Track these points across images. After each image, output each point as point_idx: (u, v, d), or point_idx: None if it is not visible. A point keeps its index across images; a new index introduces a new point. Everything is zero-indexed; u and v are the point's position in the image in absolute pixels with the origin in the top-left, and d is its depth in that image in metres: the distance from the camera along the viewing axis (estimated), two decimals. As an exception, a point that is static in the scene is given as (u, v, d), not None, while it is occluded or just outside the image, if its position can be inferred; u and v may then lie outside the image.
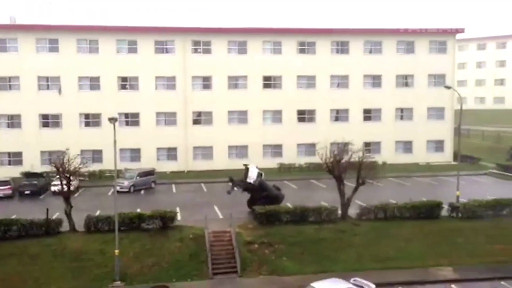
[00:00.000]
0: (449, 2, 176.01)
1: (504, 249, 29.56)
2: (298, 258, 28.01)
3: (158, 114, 52.33)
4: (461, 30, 57.83)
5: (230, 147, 53.67)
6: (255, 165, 36.28)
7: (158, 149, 52.57)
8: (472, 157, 54.92)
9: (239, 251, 27.49)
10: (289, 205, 33.59)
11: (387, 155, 54.99)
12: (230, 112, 53.53)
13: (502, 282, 25.92)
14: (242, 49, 53.34)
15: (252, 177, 33.70)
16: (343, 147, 33.63)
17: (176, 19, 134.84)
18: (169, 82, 52.32)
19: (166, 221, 29.90)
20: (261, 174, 34.89)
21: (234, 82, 53.58)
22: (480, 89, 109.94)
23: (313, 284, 22.93)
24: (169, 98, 52.17)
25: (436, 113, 57.47)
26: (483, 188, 43.87)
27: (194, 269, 26.64)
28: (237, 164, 51.82)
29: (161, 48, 52.03)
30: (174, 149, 52.86)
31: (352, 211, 32.64)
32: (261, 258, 27.82)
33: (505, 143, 61.63)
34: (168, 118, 52.68)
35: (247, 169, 34.35)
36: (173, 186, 45.53)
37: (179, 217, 32.03)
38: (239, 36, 53.15)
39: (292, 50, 54.17)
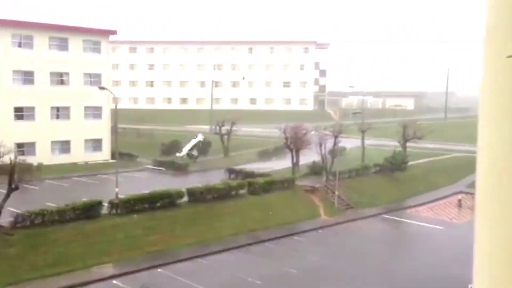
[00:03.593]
0: (102, 4, 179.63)
1: (161, 238, 31.85)
2: None
3: None
4: (114, 32, 59.64)
5: None
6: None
7: None
8: (129, 154, 57.37)
9: None
10: None
11: (43, 156, 51.93)
12: None
13: (159, 270, 27.84)
14: None
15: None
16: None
17: None
18: None
19: None
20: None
21: None
22: (133, 89, 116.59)
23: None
24: None
25: (93, 112, 57.63)
26: (141, 183, 46.31)
27: None
28: None
29: None
30: None
31: (5, 220, 29.29)
32: None
33: (157, 140, 66.80)
34: None
35: None
36: None
37: None
38: None
39: None
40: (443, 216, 41.36)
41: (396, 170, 49.72)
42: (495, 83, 1.72)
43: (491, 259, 1.66)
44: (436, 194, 47.38)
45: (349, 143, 59.46)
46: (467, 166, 55.71)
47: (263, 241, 33.79)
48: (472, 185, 49.60)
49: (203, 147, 58.65)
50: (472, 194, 45.47)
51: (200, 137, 59.31)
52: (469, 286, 1.84)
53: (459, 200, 44.41)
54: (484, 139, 1.71)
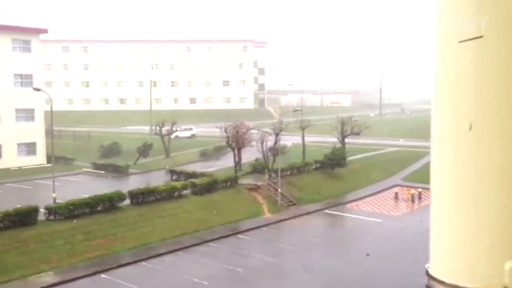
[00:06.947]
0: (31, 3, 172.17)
1: (103, 243, 31.00)
2: None
3: None
4: (45, 31, 57.33)
5: None
6: None
7: None
8: (66, 157, 55.35)
9: None
10: None
11: (-28, 162, 49.23)
12: None
13: (103, 275, 27.11)
14: None
15: None
16: None
17: None
18: None
19: None
20: None
21: None
22: (68, 90, 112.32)
23: None
24: None
25: (26, 114, 55.14)
26: (79, 187, 44.82)
27: None
28: None
29: None
30: None
31: None
32: None
33: (95, 142, 64.85)
34: None
35: None
36: None
37: None
38: None
39: None
40: (382, 209, 42.86)
41: (335, 166, 50.97)
42: (448, 71, 1.81)
43: (447, 239, 1.80)
44: (374, 188, 49.01)
45: (290, 140, 60.29)
46: (402, 160, 58.11)
47: (208, 241, 33.66)
48: (406, 178, 51.75)
49: (144, 149, 57.53)
50: (407, 187, 47.44)
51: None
52: (426, 265, 1.95)
53: (396, 193, 46.16)
54: (438, 127, 1.81)
